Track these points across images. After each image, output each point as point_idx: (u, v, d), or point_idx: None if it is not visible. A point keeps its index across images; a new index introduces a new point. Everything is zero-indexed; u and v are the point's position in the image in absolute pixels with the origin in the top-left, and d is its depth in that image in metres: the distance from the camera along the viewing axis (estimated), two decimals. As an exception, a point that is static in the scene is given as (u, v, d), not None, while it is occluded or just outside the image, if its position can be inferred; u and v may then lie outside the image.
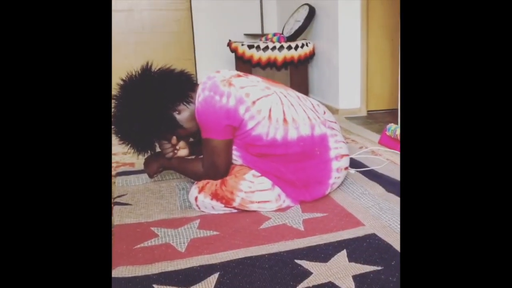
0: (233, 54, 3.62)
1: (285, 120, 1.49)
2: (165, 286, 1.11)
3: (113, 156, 2.20)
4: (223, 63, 4.24)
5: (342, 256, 1.22)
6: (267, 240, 1.33)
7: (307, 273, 1.14)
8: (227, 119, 1.43)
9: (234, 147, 1.51)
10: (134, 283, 1.12)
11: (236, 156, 1.53)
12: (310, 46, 3.48)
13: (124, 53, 4.19)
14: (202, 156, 1.53)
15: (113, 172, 2.00)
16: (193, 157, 1.66)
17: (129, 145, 1.51)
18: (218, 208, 1.52)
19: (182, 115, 1.50)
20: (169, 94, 1.47)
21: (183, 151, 1.64)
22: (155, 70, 1.51)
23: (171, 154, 1.59)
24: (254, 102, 1.46)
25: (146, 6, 4.22)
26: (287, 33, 3.59)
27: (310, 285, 1.09)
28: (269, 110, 1.47)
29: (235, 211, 1.53)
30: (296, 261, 1.20)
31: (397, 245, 1.25)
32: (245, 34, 4.35)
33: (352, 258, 1.21)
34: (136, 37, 4.25)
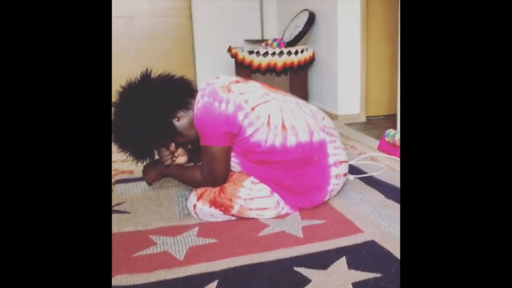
0: (233, 59, 3.63)
1: (284, 126, 1.48)
2: (163, 295, 1.11)
3: (112, 164, 2.20)
4: (223, 69, 4.25)
5: (341, 263, 1.21)
6: (266, 247, 1.32)
7: (306, 281, 1.14)
8: (226, 125, 1.43)
9: (232, 154, 1.51)
10: (132, 292, 1.12)
11: (235, 163, 1.52)
12: (310, 52, 3.49)
13: (125, 59, 4.20)
14: (200, 163, 1.53)
15: (112, 180, 2.00)
16: (191, 164, 1.66)
17: (128, 152, 1.51)
18: (217, 215, 1.52)
19: (181, 122, 1.50)
20: (168, 101, 1.47)
21: (181, 158, 1.64)
22: (154, 76, 1.52)
23: (169, 161, 1.59)
24: (253, 109, 1.46)
25: (146, 12, 4.23)
26: (287, 38, 3.60)
27: (309, 293, 1.09)
28: (268, 116, 1.47)
29: (234, 218, 1.53)
30: (295, 268, 1.20)
31: (396, 252, 1.25)
32: (245, 40, 4.36)
33: (351, 265, 1.20)
34: (136, 43, 4.26)
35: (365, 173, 1.93)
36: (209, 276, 1.18)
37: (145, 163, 1.62)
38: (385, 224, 1.43)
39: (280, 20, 4.40)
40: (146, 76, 1.51)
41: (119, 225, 1.52)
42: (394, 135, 2.20)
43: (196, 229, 1.47)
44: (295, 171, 1.52)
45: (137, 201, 1.74)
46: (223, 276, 1.17)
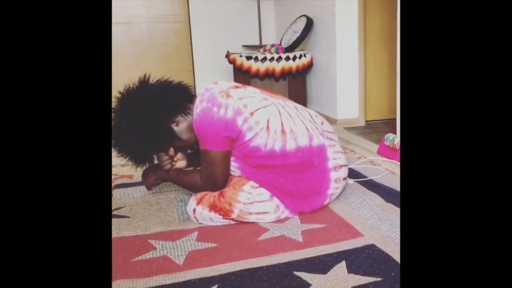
0: (232, 65, 3.64)
1: (283, 131, 1.49)
2: (163, 300, 1.10)
3: (111, 168, 2.20)
4: (221, 75, 4.26)
5: (341, 267, 1.21)
6: (266, 251, 1.32)
7: (306, 285, 1.13)
8: (225, 130, 1.43)
9: (232, 158, 1.51)
10: (131, 297, 1.11)
11: (234, 167, 1.52)
12: (308, 57, 3.50)
13: (124, 65, 4.21)
14: (200, 168, 1.53)
15: (111, 184, 2.00)
16: (191, 168, 1.66)
17: (127, 157, 1.51)
18: (217, 219, 1.51)
19: (180, 126, 1.50)
20: (167, 106, 1.47)
21: (181, 163, 1.64)
22: (153, 82, 1.52)
23: (169, 166, 1.59)
24: (252, 113, 1.46)
25: (144, 18, 4.25)
26: (285, 44, 3.61)
27: (309, 297, 1.09)
28: (267, 121, 1.47)
29: (234, 222, 1.52)
30: (295, 272, 1.19)
31: (396, 256, 1.25)
32: (243, 46, 4.37)
33: (351, 269, 1.20)
34: (135, 49, 4.27)
35: (364, 177, 1.93)
36: (208, 281, 1.17)
37: (144, 167, 1.62)
38: (385, 228, 1.43)
39: (278, 25, 4.41)
40: (144, 82, 1.51)
41: (118, 229, 1.51)
42: (393, 139, 2.20)
43: (196, 233, 1.47)
44: (295, 175, 1.52)
45: (137, 206, 1.74)
46: (223, 280, 1.17)
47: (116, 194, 1.88)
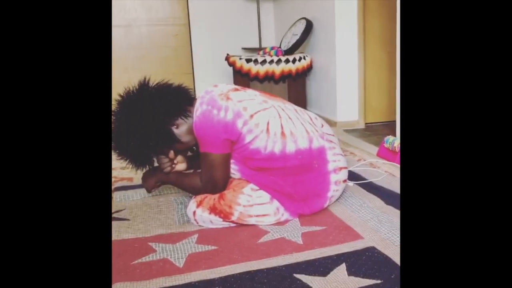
0: (231, 68, 3.65)
1: (283, 133, 1.49)
2: (163, 302, 1.10)
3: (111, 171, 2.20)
4: (221, 77, 4.26)
5: (341, 269, 1.21)
6: (266, 254, 1.32)
7: (306, 287, 1.13)
8: (225, 133, 1.43)
9: (232, 161, 1.51)
10: (131, 299, 1.11)
11: (234, 170, 1.53)
12: (308, 60, 3.50)
13: (124, 68, 4.22)
14: (200, 170, 1.53)
15: (111, 187, 2.00)
16: (191, 171, 1.66)
17: (127, 160, 1.51)
18: (217, 222, 1.51)
19: (180, 129, 1.51)
20: (166, 109, 1.47)
21: (181, 166, 1.64)
22: (153, 85, 1.52)
23: (169, 168, 1.59)
24: (252, 116, 1.46)
25: (144, 21, 4.25)
26: (285, 46, 3.61)
27: (309, 299, 1.08)
28: (267, 123, 1.47)
29: (234, 225, 1.52)
30: (295, 275, 1.19)
31: (396, 258, 1.25)
32: (243, 48, 4.38)
33: (351, 271, 1.20)
34: (135, 52, 4.28)
35: (364, 179, 1.94)
36: (208, 283, 1.17)
37: (144, 170, 1.62)
38: (385, 230, 1.43)
39: (278, 28, 4.42)
40: (144, 85, 1.51)
41: (118, 232, 1.51)
42: (393, 141, 2.21)
43: (196, 236, 1.47)
44: (295, 178, 1.52)
45: (137, 208, 1.74)
46: (223, 283, 1.17)
47: (116, 196, 1.88)
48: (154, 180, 1.64)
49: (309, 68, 3.54)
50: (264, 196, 1.51)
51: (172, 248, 1.39)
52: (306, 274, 1.20)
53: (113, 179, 2.11)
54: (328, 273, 1.20)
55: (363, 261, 1.25)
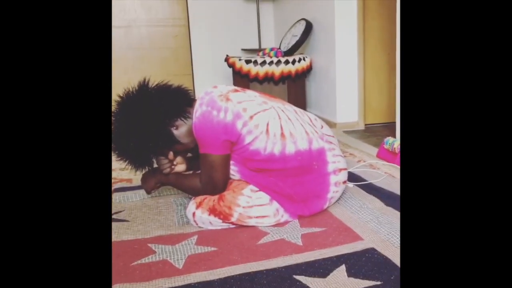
0: (231, 69, 3.65)
1: (282, 134, 1.49)
2: (162, 304, 1.10)
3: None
4: (220, 78, 4.26)
5: (341, 271, 1.21)
6: (265, 255, 1.32)
7: (306, 289, 1.13)
8: (225, 134, 1.43)
9: (232, 162, 1.51)
10: (131, 301, 1.11)
11: (234, 171, 1.52)
12: (307, 61, 3.50)
13: (123, 68, 4.22)
14: (199, 172, 1.53)
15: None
16: (190, 172, 1.66)
17: (127, 161, 1.51)
18: (216, 223, 1.51)
19: (180, 130, 1.50)
20: (166, 110, 1.47)
21: (180, 167, 1.64)
22: (152, 86, 1.52)
23: (168, 169, 1.59)
24: (251, 117, 1.46)
25: (144, 22, 4.25)
26: (285, 47, 3.61)
27: (309, 301, 1.08)
28: (267, 124, 1.47)
29: (233, 226, 1.52)
30: (294, 276, 1.19)
31: (396, 259, 1.25)
32: (243, 49, 4.38)
33: (351, 273, 1.20)
34: (134, 53, 4.28)
35: (364, 180, 1.93)
36: (208, 285, 1.17)
37: (143, 171, 1.61)
38: (384, 231, 1.43)
39: (277, 29, 4.42)
40: (144, 86, 1.51)
41: (117, 233, 1.51)
42: (393, 142, 2.21)
43: (195, 237, 1.46)
44: (294, 179, 1.52)
45: (136, 210, 1.73)
46: (223, 284, 1.17)
47: (115, 198, 1.88)
48: (154, 181, 1.64)
49: (309, 69, 3.54)
50: (264, 197, 1.51)
51: (171, 249, 1.38)
52: (305, 275, 1.19)
53: (112, 180, 2.11)
54: (328, 274, 1.20)
55: (363, 263, 1.25)
